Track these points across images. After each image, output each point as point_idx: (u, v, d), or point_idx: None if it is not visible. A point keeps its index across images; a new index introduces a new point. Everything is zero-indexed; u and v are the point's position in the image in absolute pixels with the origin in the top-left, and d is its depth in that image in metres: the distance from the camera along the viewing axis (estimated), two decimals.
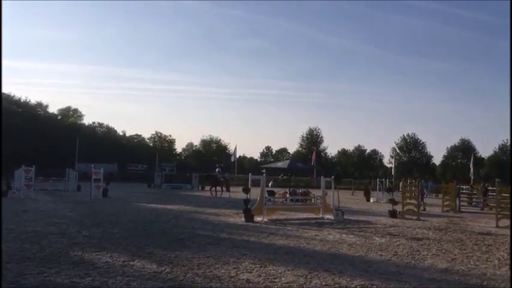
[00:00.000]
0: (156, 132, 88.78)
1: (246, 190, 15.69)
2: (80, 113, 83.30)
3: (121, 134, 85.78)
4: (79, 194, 26.62)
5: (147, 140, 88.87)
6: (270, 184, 29.69)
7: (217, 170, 32.43)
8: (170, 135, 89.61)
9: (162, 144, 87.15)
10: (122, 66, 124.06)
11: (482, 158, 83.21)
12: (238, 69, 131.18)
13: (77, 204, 19.58)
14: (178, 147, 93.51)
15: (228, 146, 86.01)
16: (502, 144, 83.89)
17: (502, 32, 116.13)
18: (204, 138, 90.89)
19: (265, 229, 13.01)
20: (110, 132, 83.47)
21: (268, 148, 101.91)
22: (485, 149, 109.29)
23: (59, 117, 76.11)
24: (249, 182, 16.11)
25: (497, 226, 16.26)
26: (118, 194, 26.45)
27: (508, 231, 14.99)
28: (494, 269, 8.39)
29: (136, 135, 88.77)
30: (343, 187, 42.62)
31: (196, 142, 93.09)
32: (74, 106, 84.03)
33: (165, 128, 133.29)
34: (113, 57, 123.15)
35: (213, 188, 28.66)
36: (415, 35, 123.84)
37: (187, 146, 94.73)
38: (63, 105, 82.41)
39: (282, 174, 39.90)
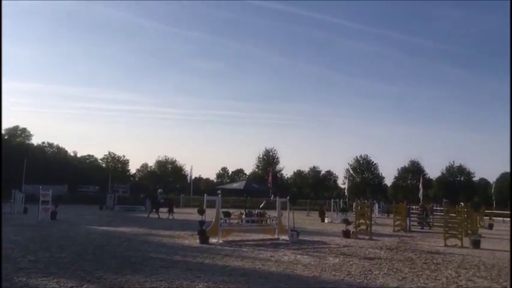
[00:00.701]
0: (109, 152, 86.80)
1: (201, 211, 15.52)
2: (29, 132, 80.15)
3: (72, 154, 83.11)
4: (26, 216, 25.38)
5: (100, 161, 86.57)
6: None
7: (158, 191, 31.89)
8: (124, 156, 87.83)
9: (116, 165, 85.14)
10: (75, 85, 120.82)
11: (431, 179, 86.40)
12: (195, 90, 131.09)
13: (23, 227, 18.65)
14: (133, 168, 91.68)
15: (184, 167, 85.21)
16: (449, 166, 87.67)
17: (448, 58, 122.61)
18: (160, 159, 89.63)
19: (220, 251, 12.88)
20: (60, 152, 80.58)
21: (224, 169, 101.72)
22: (434, 170, 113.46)
23: (5, 137, 72.86)
24: (204, 203, 15.96)
25: (445, 245, 16.86)
26: (67, 216, 25.45)
27: (455, 250, 15.60)
28: (442, 287, 8.66)
29: (88, 155, 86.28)
30: (298, 208, 43.07)
31: (151, 163, 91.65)
32: (22, 125, 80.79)
33: (118, 149, 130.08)
34: (65, 75, 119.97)
35: (153, 210, 28.30)
36: (368, 59, 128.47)
37: (141, 166, 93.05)
38: (11, 125, 79.14)
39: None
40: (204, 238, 14.60)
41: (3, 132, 73.02)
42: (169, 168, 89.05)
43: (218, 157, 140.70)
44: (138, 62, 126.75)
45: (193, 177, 62.36)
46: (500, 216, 44.35)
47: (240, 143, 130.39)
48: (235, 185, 24.55)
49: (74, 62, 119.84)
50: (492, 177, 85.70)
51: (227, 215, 20.78)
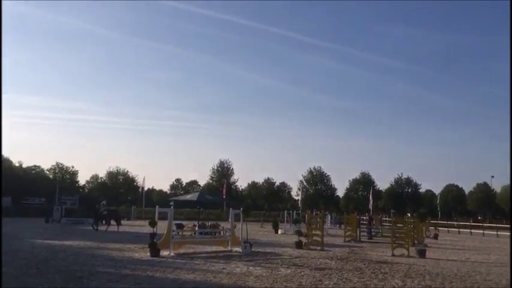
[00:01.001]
0: (57, 163, 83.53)
1: (153, 224, 15.20)
2: None
3: (17, 165, 79.34)
4: None
5: (47, 172, 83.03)
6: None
7: (102, 203, 31.05)
8: (73, 167, 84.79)
9: (64, 176, 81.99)
10: (21, 93, 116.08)
11: (381, 190, 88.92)
12: (150, 100, 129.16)
13: None
14: (82, 179, 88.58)
15: (136, 178, 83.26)
16: (397, 178, 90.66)
17: (397, 74, 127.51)
18: (111, 170, 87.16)
19: (172, 264, 12.66)
20: (4, 163, 76.78)
21: (178, 180, 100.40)
22: (383, 182, 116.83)
23: None
24: (156, 215, 15.66)
25: (392, 255, 17.36)
26: (11, 229, 24.21)
27: (402, 259, 16.09)
28: None
29: (35, 166, 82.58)
30: (252, 219, 43.00)
31: (102, 174, 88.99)
32: None
33: (67, 159, 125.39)
34: (10, 83, 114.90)
35: (100, 222, 27.51)
36: (322, 74, 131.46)
37: (91, 178, 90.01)
38: None
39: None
40: (155, 251, 14.30)
41: None
42: (121, 180, 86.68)
43: (172, 168, 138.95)
44: (89, 70, 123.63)
45: (145, 188, 61.11)
46: (445, 227, 46.19)
47: (195, 154, 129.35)
48: (188, 197, 24.34)
49: (21, 69, 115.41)
50: (437, 189, 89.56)
51: (180, 227, 20.50)
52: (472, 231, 43.34)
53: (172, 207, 16.72)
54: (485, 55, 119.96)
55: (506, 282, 11.39)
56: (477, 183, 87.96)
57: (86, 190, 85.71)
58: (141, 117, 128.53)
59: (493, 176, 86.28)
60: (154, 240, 14.60)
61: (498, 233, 39.99)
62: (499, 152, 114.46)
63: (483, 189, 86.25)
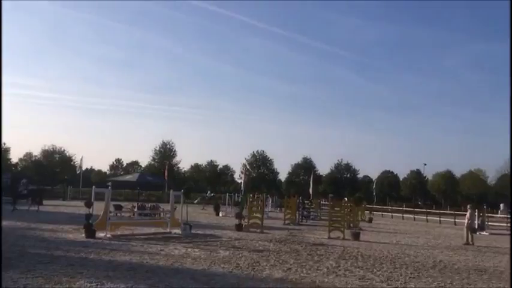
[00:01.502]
0: None
1: (89, 204, 14.71)
2: None
3: None
4: None
5: None
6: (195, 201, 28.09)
7: (22, 182, 29.69)
8: (5, 143, 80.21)
9: None
10: None
11: (321, 175, 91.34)
12: (92, 77, 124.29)
13: None
14: (14, 156, 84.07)
15: (74, 157, 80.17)
16: (337, 163, 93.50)
17: (344, 63, 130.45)
18: (46, 148, 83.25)
19: (107, 245, 12.34)
20: None
21: (118, 161, 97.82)
22: (324, 167, 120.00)
23: None
24: (92, 196, 15.17)
25: (329, 237, 17.92)
26: None
27: (337, 242, 16.64)
28: (323, 277, 9.18)
29: None
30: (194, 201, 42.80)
31: (37, 152, 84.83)
32: None
33: None
34: None
35: (26, 202, 26.27)
36: (270, 58, 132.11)
37: (25, 155, 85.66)
38: None
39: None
40: (90, 232, 13.88)
41: None
42: (57, 158, 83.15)
43: (112, 148, 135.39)
44: (27, 42, 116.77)
45: (83, 168, 59.04)
46: (379, 211, 48.35)
47: (137, 135, 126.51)
48: (128, 177, 23.81)
49: None
50: (374, 175, 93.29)
51: (118, 208, 20.04)
52: (404, 215, 45.61)
53: (110, 187, 16.25)
54: (428, 48, 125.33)
55: (432, 263, 12.09)
56: (410, 171, 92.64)
57: (19, 168, 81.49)
58: (82, 94, 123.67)
59: (425, 164, 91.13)
60: (90, 222, 14.16)
61: (428, 217, 42.37)
62: (432, 141, 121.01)
63: (416, 176, 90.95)
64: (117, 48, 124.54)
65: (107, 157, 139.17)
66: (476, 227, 21.55)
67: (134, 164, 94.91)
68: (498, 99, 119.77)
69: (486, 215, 28.90)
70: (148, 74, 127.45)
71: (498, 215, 36.10)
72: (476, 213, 22.17)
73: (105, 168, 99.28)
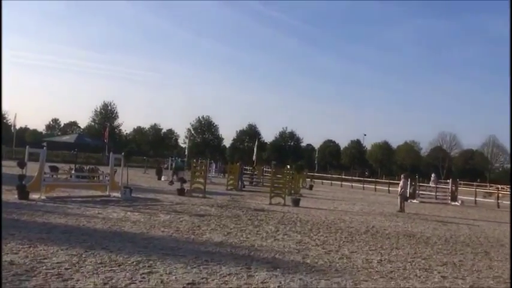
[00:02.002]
0: None
1: (22, 164, 14.04)
2: None
3: None
4: None
5: None
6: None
7: None
8: None
9: None
10: None
11: (266, 142, 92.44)
12: (29, 30, 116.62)
13: None
14: None
15: (6, 115, 75.81)
16: (281, 131, 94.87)
17: (294, 32, 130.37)
18: None
19: (42, 207, 11.90)
20: None
21: (55, 120, 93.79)
22: (269, 134, 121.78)
23: None
24: (26, 156, 14.46)
25: (270, 203, 18.28)
26: None
27: (278, 208, 17.02)
28: (261, 241, 9.38)
29: None
30: (135, 165, 42.13)
31: None
32: None
33: None
34: None
35: None
36: (223, 24, 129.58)
37: None
38: None
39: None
40: (23, 193, 13.29)
41: None
42: None
43: (49, 107, 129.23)
44: None
45: (17, 127, 56.07)
46: (320, 179, 49.88)
47: (77, 94, 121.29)
48: (65, 138, 22.86)
49: None
50: (317, 144, 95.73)
51: (54, 169, 19.28)
52: (343, 183, 47.39)
53: (45, 148, 15.51)
54: (375, 21, 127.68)
55: (365, 228, 12.69)
56: (351, 140, 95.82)
57: None
58: (18, 49, 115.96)
59: (365, 135, 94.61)
60: (23, 183, 13.54)
61: (364, 185, 44.30)
62: (373, 112, 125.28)
63: (356, 146, 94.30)
64: (56, 1, 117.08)
65: (43, 116, 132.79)
66: (408, 195, 22.77)
67: (72, 125, 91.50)
68: (436, 74, 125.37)
69: (418, 184, 30.57)
70: (91, 30, 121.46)
71: (429, 185, 38.30)
72: (409, 183, 23.36)
73: (40, 127, 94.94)
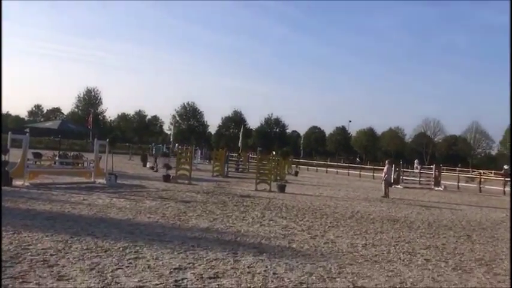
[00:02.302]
0: None
1: (4, 151, 13.83)
2: None
3: None
4: None
5: None
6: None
7: None
8: None
9: None
10: None
11: (251, 129, 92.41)
12: (10, 13, 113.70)
13: None
14: None
15: None
16: (267, 118, 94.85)
17: (279, 18, 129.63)
18: None
19: (25, 194, 11.78)
20: None
21: (38, 107, 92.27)
22: (254, 121, 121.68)
23: None
24: (8, 142, 14.24)
25: (256, 189, 18.34)
26: None
27: (264, 194, 17.09)
28: (247, 227, 9.43)
29: None
30: (120, 152, 41.79)
31: None
32: None
33: None
34: None
35: None
36: (211, 11, 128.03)
37: None
38: None
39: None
40: (6, 180, 13.08)
41: None
42: None
43: (32, 92, 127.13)
44: None
45: None
46: (305, 165, 50.14)
47: (60, 80, 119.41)
48: (48, 124, 22.55)
49: None
50: (302, 130, 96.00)
51: (37, 156, 19.09)
52: (328, 169, 47.72)
53: (28, 134, 15.32)
54: (360, 9, 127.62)
55: (350, 214, 12.83)
56: (336, 127, 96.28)
57: None
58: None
59: (350, 121, 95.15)
60: (6, 169, 13.36)
61: (349, 172, 44.67)
62: (357, 98, 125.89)
63: (341, 132, 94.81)
64: None
65: (26, 102, 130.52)
66: (392, 181, 23.03)
67: (56, 111, 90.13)
68: (420, 61, 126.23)
69: (402, 170, 30.96)
70: (74, 15, 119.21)
71: (413, 170, 38.83)
72: (393, 168, 23.64)
73: (23, 114, 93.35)
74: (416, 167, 42.86)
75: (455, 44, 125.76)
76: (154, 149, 29.88)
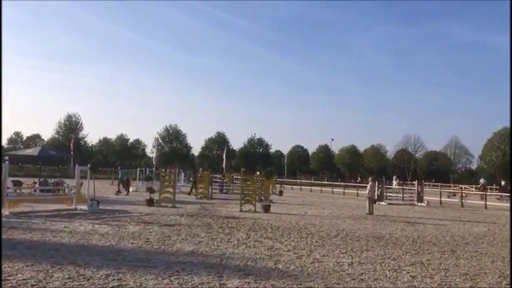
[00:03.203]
0: None
1: None
2: None
3: None
4: None
5: None
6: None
7: None
8: None
9: None
10: None
11: (235, 150, 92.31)
12: None
13: None
14: None
15: None
16: (250, 138, 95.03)
17: (257, 39, 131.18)
18: None
19: (6, 223, 11.48)
20: None
21: (17, 134, 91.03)
22: (237, 142, 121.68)
23: None
24: None
25: (240, 210, 18.25)
26: None
27: (249, 214, 17.00)
28: (233, 248, 9.36)
29: None
30: (102, 177, 41.26)
31: None
32: None
33: None
34: None
35: None
36: (189, 32, 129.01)
37: None
38: None
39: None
40: None
41: None
42: None
43: (11, 120, 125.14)
44: None
45: None
46: (290, 184, 50.13)
47: (39, 106, 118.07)
48: (28, 151, 22.18)
49: None
50: (286, 150, 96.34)
51: (17, 184, 18.74)
52: (312, 188, 47.76)
53: (7, 162, 15.03)
54: (338, 28, 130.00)
55: (335, 232, 12.83)
56: (319, 145, 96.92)
57: None
58: None
59: (332, 139, 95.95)
60: None
61: (334, 190, 44.78)
62: (339, 117, 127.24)
63: (324, 151, 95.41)
64: (18, 11, 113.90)
65: (5, 130, 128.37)
66: (376, 198, 23.16)
67: (35, 138, 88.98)
68: (399, 79, 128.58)
69: (385, 186, 31.16)
70: (52, 40, 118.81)
71: (394, 186, 39.19)
72: (376, 185, 23.76)
73: (2, 142, 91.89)
74: (393, 182, 43.73)
75: (431, 62, 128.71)
76: (120, 174, 29.72)
